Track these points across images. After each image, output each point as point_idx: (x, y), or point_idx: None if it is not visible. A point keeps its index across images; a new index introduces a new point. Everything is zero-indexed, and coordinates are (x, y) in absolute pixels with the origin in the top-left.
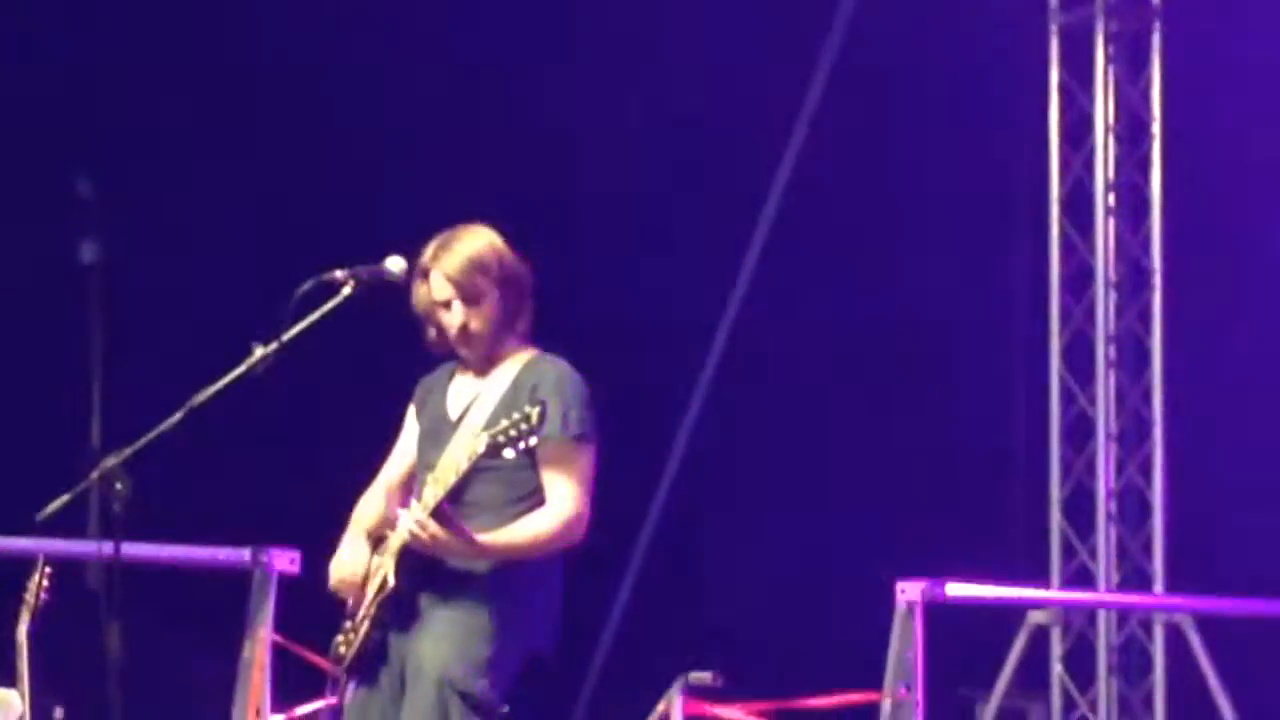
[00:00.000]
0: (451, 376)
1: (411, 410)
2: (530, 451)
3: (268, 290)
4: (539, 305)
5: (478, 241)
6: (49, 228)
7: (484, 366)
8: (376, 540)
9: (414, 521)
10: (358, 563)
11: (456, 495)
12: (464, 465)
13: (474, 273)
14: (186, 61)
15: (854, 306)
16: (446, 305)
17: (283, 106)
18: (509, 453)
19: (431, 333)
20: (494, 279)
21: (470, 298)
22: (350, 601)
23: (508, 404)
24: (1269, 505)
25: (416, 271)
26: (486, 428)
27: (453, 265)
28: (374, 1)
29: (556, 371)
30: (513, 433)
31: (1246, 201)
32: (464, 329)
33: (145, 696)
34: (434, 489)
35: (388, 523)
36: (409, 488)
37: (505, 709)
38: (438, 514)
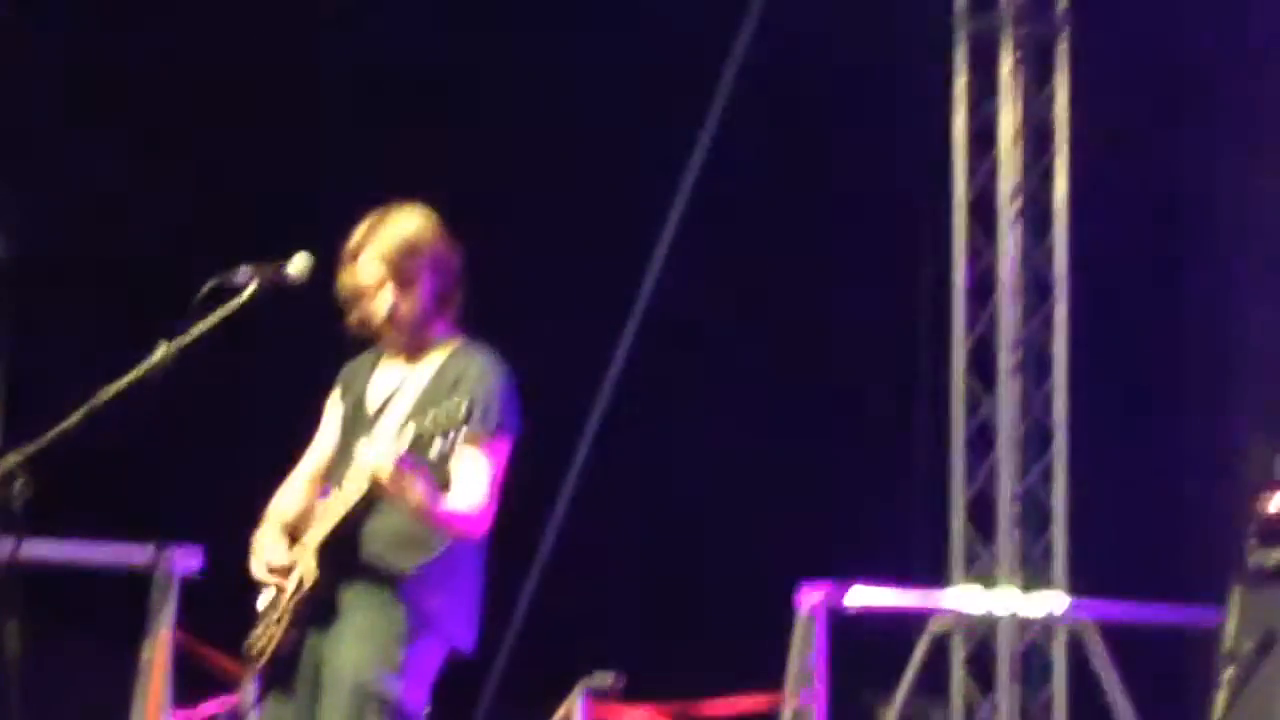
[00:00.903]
0: (375, 363)
1: (335, 395)
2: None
3: (176, 285)
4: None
5: (411, 222)
6: None
7: (410, 353)
8: (293, 534)
9: (386, 460)
10: (278, 551)
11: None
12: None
13: (407, 254)
14: (98, 52)
15: (760, 311)
16: (377, 287)
17: (191, 96)
18: (435, 445)
19: (356, 316)
20: (426, 262)
21: (402, 280)
22: (267, 597)
23: (429, 396)
24: (1168, 512)
25: (344, 253)
26: (413, 415)
27: (385, 246)
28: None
29: (481, 363)
30: (441, 426)
31: (1149, 210)
32: (394, 313)
33: (44, 696)
34: (355, 482)
35: (306, 516)
36: (328, 478)
37: (427, 710)
38: (407, 462)
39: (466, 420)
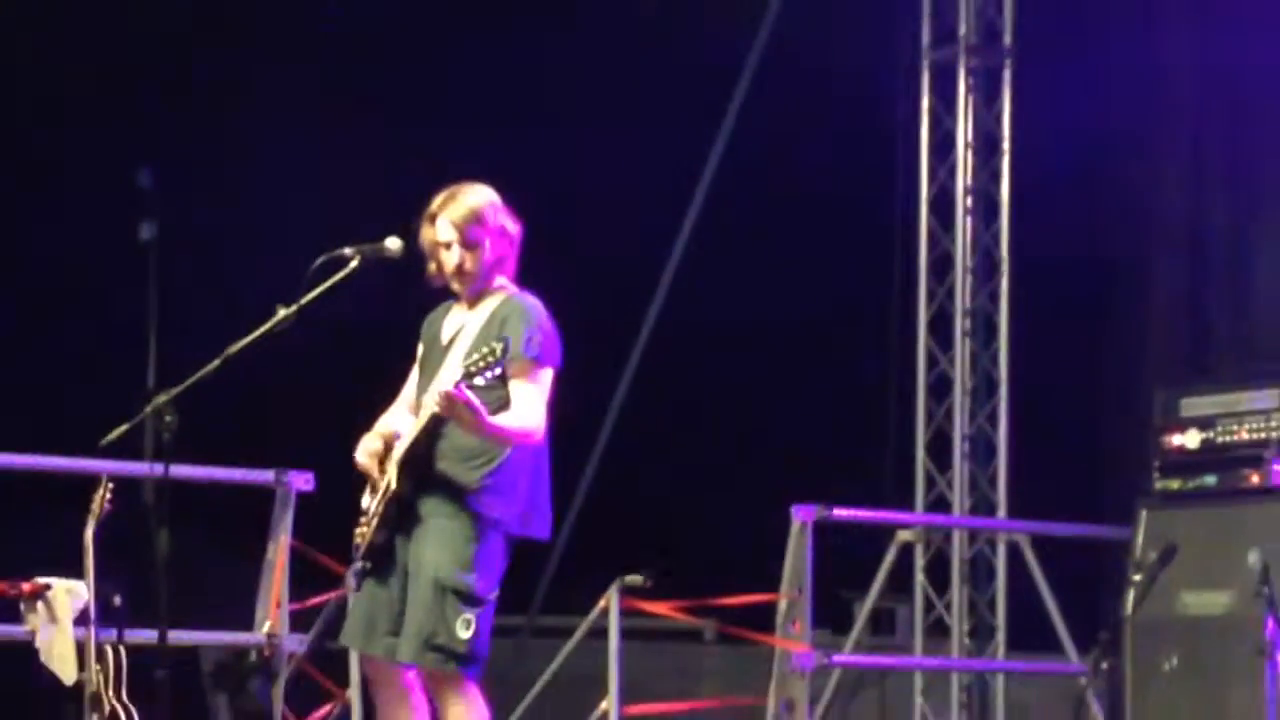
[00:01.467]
0: (449, 309)
1: (422, 343)
2: (501, 373)
3: (292, 260)
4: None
5: (479, 197)
6: (119, 211)
7: (473, 300)
8: (387, 447)
9: (442, 392)
10: (375, 447)
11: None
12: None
13: (473, 222)
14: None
15: (769, 291)
16: (447, 246)
17: (326, 83)
18: (479, 380)
19: (433, 267)
20: (489, 229)
21: (468, 242)
22: (369, 498)
23: (485, 332)
24: (1089, 448)
25: (424, 216)
26: (467, 356)
27: (457, 214)
28: None
29: (525, 305)
30: (481, 364)
31: (1079, 205)
32: (459, 267)
33: (186, 589)
34: (425, 409)
35: (395, 436)
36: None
37: (495, 594)
38: (458, 390)
39: (502, 357)
